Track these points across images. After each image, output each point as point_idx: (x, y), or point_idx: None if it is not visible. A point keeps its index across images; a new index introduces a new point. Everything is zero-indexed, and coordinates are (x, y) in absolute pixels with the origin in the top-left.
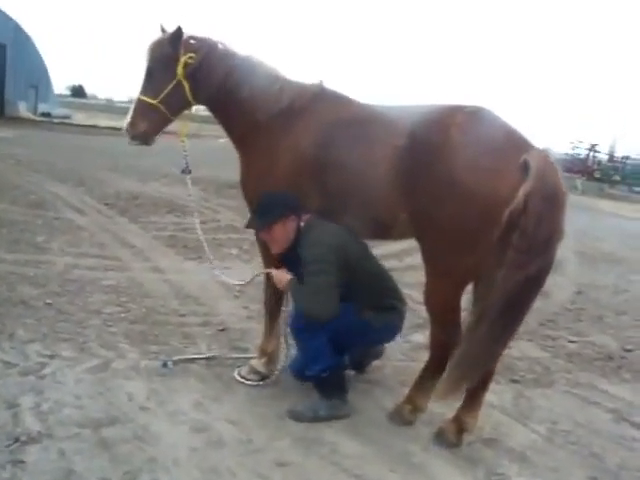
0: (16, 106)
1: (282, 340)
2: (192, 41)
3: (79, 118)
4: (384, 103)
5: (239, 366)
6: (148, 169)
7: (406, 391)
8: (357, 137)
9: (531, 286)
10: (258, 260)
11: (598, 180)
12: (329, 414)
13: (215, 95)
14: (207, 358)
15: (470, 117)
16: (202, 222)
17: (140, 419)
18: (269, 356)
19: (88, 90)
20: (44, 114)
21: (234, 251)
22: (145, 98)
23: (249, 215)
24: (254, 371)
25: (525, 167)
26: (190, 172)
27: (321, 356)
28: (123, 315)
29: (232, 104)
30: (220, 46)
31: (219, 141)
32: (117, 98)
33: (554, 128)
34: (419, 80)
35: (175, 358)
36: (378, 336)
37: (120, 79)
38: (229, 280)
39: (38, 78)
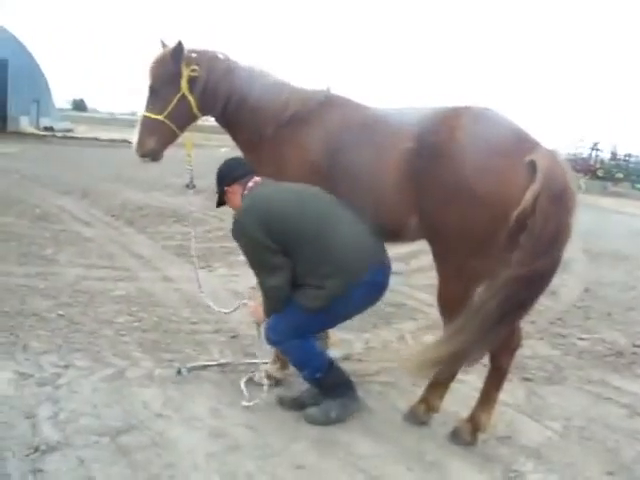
0: (18, 121)
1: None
2: (193, 54)
3: (81, 131)
4: (390, 105)
5: (252, 372)
6: (152, 180)
7: (419, 392)
8: (364, 142)
9: (534, 285)
10: None
11: (601, 178)
12: (340, 414)
13: (221, 107)
14: (220, 365)
15: (476, 118)
16: (207, 231)
17: (157, 426)
18: (282, 361)
19: (89, 103)
20: (46, 128)
21: (241, 258)
22: (151, 115)
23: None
24: (268, 376)
25: (532, 167)
26: (194, 187)
27: (306, 359)
28: (135, 324)
29: (239, 115)
30: (221, 56)
31: (222, 150)
32: (118, 111)
33: (556, 127)
34: (423, 81)
35: (189, 365)
36: (341, 315)
37: (120, 92)
38: (214, 307)
39: (40, 93)
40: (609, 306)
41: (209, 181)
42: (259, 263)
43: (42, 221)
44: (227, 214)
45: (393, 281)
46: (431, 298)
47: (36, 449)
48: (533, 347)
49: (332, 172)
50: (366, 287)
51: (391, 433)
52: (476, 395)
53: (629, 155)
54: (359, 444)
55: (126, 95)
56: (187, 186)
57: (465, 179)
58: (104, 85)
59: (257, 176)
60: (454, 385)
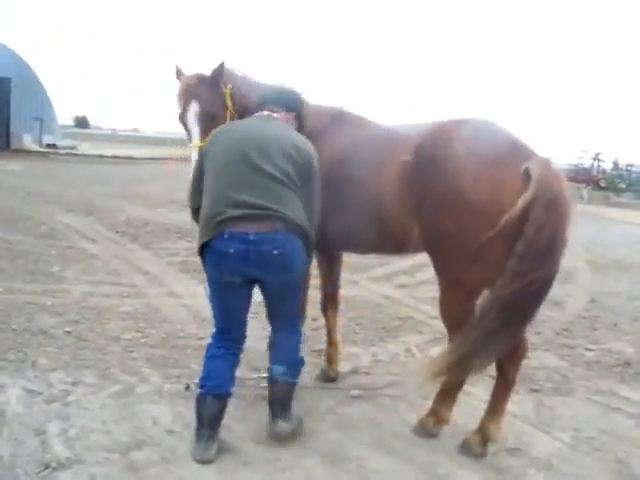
0: (21, 138)
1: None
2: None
3: (84, 148)
4: (395, 120)
5: (261, 386)
6: (156, 196)
7: (428, 404)
8: (368, 156)
9: (531, 294)
10: None
11: (603, 189)
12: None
13: None
14: None
15: (473, 130)
16: None
17: (167, 442)
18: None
19: (92, 121)
20: (50, 145)
21: None
22: None
23: None
24: None
25: (527, 176)
26: None
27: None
28: (143, 340)
29: None
30: (240, 74)
31: None
32: (120, 128)
33: (558, 138)
34: (427, 92)
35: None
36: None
37: (123, 109)
38: None
39: (42, 110)
40: (615, 316)
41: None
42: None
43: (48, 238)
44: None
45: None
46: (436, 311)
47: (47, 466)
48: (540, 358)
49: (339, 185)
50: (214, 254)
51: (401, 446)
52: (484, 406)
53: (631, 165)
54: (370, 458)
55: (128, 112)
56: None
57: (462, 189)
58: (106, 102)
59: None
60: (462, 397)
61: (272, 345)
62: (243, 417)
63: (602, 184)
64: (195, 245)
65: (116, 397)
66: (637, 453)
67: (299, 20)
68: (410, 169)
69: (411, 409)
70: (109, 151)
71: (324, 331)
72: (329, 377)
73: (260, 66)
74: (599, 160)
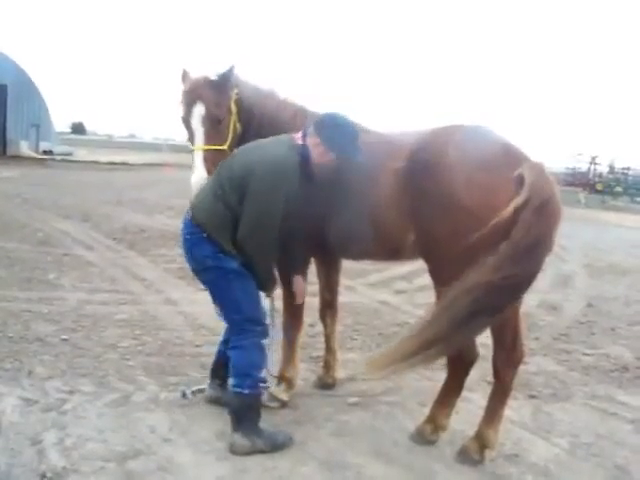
0: (18, 145)
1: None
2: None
3: (81, 154)
4: (393, 126)
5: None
6: (152, 202)
7: (426, 411)
8: (364, 163)
9: (505, 292)
10: None
11: (600, 192)
12: (267, 444)
13: (253, 130)
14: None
15: (467, 135)
16: None
17: (164, 450)
18: (288, 382)
19: (88, 127)
20: (46, 152)
21: None
22: (215, 147)
23: None
24: (274, 398)
25: (520, 181)
26: None
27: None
28: (139, 348)
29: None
30: (246, 80)
31: None
32: (117, 134)
33: (554, 142)
34: (423, 96)
35: (194, 388)
36: None
37: (118, 115)
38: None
39: (39, 117)
40: (613, 321)
41: None
42: None
43: (44, 245)
44: None
45: None
46: None
47: (43, 476)
48: (538, 363)
49: (337, 190)
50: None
51: (400, 454)
52: (482, 413)
53: (627, 169)
54: (368, 466)
55: (124, 117)
56: None
57: (455, 194)
58: (103, 108)
59: None
60: (460, 404)
61: None
62: None
63: (599, 188)
64: None
65: (113, 405)
66: (636, 459)
67: (299, 20)
68: (404, 175)
69: (409, 416)
70: (105, 157)
71: (321, 338)
72: (327, 384)
73: (261, 68)
74: (595, 164)
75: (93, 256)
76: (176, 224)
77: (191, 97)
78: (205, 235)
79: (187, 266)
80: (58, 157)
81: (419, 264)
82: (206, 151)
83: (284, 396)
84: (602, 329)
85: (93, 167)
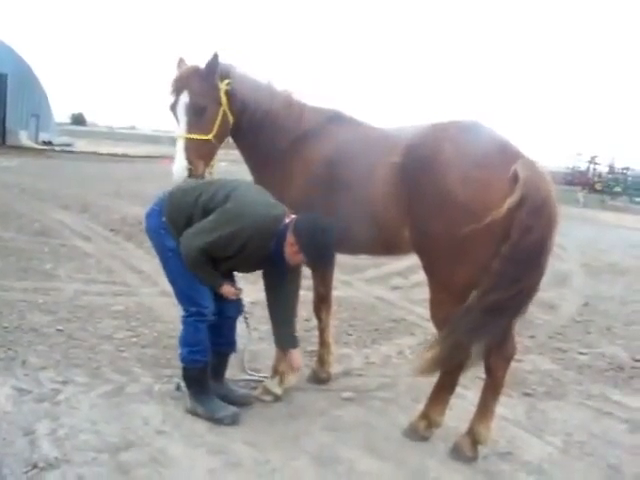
0: (17, 135)
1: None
2: (221, 66)
3: (80, 145)
4: (390, 122)
5: (252, 388)
6: (151, 194)
7: (419, 407)
8: (360, 157)
9: (516, 296)
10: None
11: (599, 192)
12: (207, 413)
13: (247, 122)
14: None
15: (462, 131)
16: None
17: (156, 443)
18: (281, 375)
19: (88, 118)
20: (46, 142)
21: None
22: (197, 136)
23: None
24: (268, 391)
25: (514, 177)
26: None
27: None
28: (134, 340)
29: (259, 130)
30: (239, 71)
31: (221, 165)
32: (117, 125)
33: (554, 141)
34: (421, 92)
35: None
36: None
37: (119, 106)
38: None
39: (39, 107)
40: (609, 320)
41: None
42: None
43: (42, 236)
44: None
45: None
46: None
47: (34, 466)
48: (533, 362)
49: (334, 185)
50: None
51: (392, 449)
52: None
53: (627, 168)
54: (360, 460)
55: (125, 109)
56: None
57: (450, 190)
58: (103, 99)
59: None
60: (454, 400)
61: None
62: None
63: (598, 187)
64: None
65: (106, 397)
66: (629, 458)
67: (298, 19)
68: (400, 171)
69: (403, 412)
70: (105, 149)
71: (316, 332)
72: (321, 379)
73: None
74: (595, 163)
75: (90, 247)
76: None
77: (177, 85)
78: (158, 209)
79: None
80: (57, 148)
81: (415, 260)
82: (188, 140)
83: (277, 390)
84: (598, 328)
85: (92, 158)
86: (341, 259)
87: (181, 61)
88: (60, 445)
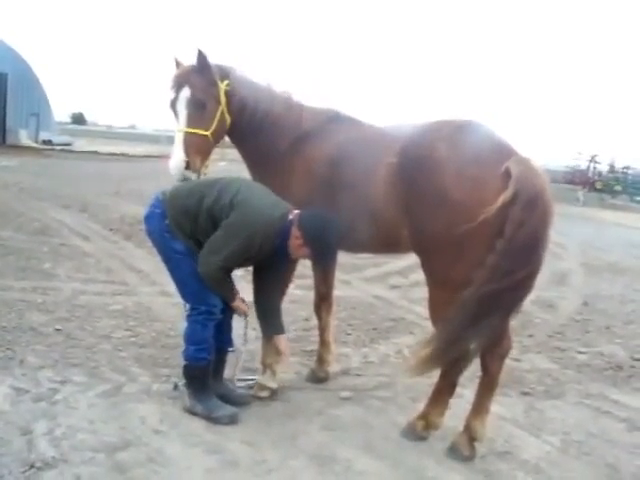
0: (17, 134)
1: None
2: (224, 68)
3: (80, 145)
4: (389, 121)
5: (250, 387)
6: (151, 193)
7: (418, 407)
8: (359, 157)
9: (511, 291)
10: None
11: (599, 191)
12: (205, 412)
13: (246, 122)
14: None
15: (457, 130)
16: None
17: (154, 442)
18: (272, 368)
19: (88, 117)
20: (45, 141)
21: (239, 272)
22: (196, 130)
23: None
24: (263, 387)
25: (507, 174)
26: None
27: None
28: (133, 339)
29: (259, 130)
30: (239, 73)
31: (220, 164)
32: (117, 124)
33: (554, 140)
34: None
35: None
36: None
37: (119, 106)
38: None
39: (39, 106)
40: (608, 319)
41: None
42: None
43: (41, 235)
44: None
45: None
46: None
47: (32, 466)
48: (532, 361)
49: (335, 184)
50: None
51: (390, 449)
52: None
53: (627, 167)
54: (358, 460)
55: (125, 108)
56: None
57: (445, 188)
58: (103, 98)
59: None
60: (451, 400)
61: None
62: None
63: (598, 186)
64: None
65: (104, 396)
66: (627, 458)
67: (298, 19)
68: (396, 170)
69: (401, 411)
70: (105, 148)
71: (316, 332)
72: (319, 378)
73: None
74: (595, 162)
75: (89, 246)
76: None
77: (178, 81)
78: (159, 211)
79: None
80: (57, 147)
81: (415, 259)
82: (187, 134)
83: (272, 384)
84: (597, 327)
85: (92, 157)
86: (340, 258)
87: (178, 63)
88: (57, 445)
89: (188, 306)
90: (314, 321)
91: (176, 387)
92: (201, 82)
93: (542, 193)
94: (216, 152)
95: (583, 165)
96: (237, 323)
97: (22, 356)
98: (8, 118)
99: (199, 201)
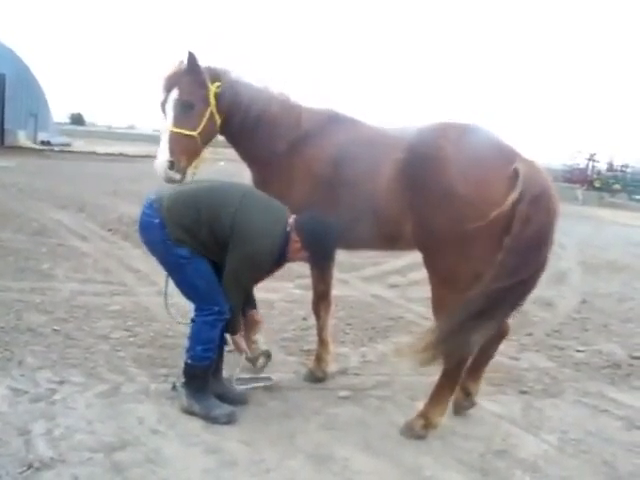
0: (16, 135)
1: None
2: (215, 70)
3: (79, 145)
4: (388, 122)
5: (248, 387)
6: (148, 194)
7: (416, 405)
8: (363, 155)
9: (518, 287)
10: None
11: (598, 189)
12: (203, 413)
13: (239, 124)
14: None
15: (462, 131)
16: None
17: (152, 442)
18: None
19: (87, 117)
20: (44, 142)
21: None
22: (183, 130)
23: None
24: (257, 357)
25: (515, 174)
26: None
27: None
28: (131, 339)
29: (254, 132)
30: (234, 76)
31: (220, 164)
32: (116, 124)
33: (554, 138)
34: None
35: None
36: None
37: (118, 106)
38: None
39: (37, 107)
40: (606, 318)
41: None
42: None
43: (39, 235)
44: None
45: None
46: (427, 311)
47: (30, 466)
48: (530, 359)
49: (338, 182)
50: None
51: (388, 448)
52: (473, 410)
53: (626, 166)
54: (355, 459)
55: (124, 108)
56: None
57: (453, 187)
58: (102, 99)
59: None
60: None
61: None
62: None
63: (596, 184)
64: None
65: (102, 396)
66: (624, 455)
67: (297, 19)
68: (403, 166)
69: (399, 410)
70: (103, 148)
71: (313, 331)
72: (317, 377)
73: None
74: (594, 161)
75: (87, 247)
76: None
77: (168, 83)
78: (158, 222)
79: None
80: (56, 148)
81: (413, 258)
82: (173, 134)
83: (263, 347)
84: (595, 326)
85: (91, 158)
86: (339, 257)
87: (180, 63)
88: (55, 445)
89: (195, 307)
90: (312, 321)
91: (174, 387)
92: (190, 83)
93: (547, 190)
94: (213, 152)
95: (582, 164)
96: None
97: (20, 357)
98: (6, 119)
99: (197, 216)
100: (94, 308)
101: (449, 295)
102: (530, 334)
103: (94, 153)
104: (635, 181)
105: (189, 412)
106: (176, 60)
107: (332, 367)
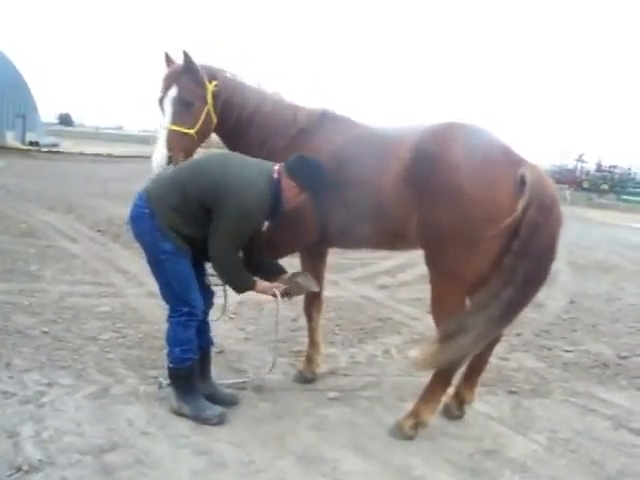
0: (3, 136)
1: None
2: (212, 70)
3: (67, 146)
4: (385, 122)
5: (238, 388)
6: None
7: (405, 406)
8: (367, 153)
9: (525, 290)
10: None
11: (586, 190)
12: (194, 413)
13: (233, 123)
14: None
15: (467, 132)
16: None
17: (141, 444)
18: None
19: (75, 118)
20: (32, 143)
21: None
22: (180, 128)
23: None
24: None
25: (522, 180)
26: None
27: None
28: (120, 341)
29: (249, 131)
30: (229, 75)
31: None
32: (104, 125)
33: (542, 139)
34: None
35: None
36: None
37: (106, 107)
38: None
39: (25, 107)
40: (594, 318)
41: None
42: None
43: (27, 237)
44: None
45: None
46: (416, 312)
47: (18, 469)
48: (519, 360)
49: (339, 179)
50: None
51: (377, 448)
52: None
53: (614, 166)
54: (345, 460)
55: (112, 109)
56: None
57: (459, 184)
58: (90, 99)
59: None
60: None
61: None
62: None
63: (585, 185)
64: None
65: (91, 398)
66: (613, 455)
67: (297, 19)
68: (410, 165)
69: (388, 411)
70: (91, 149)
71: (303, 332)
72: (306, 378)
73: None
74: (582, 161)
75: (76, 248)
76: None
77: (167, 80)
78: (148, 211)
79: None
80: (44, 148)
81: (403, 259)
82: (171, 131)
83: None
84: (584, 326)
85: (79, 159)
86: (328, 259)
87: (168, 59)
88: (44, 447)
89: (168, 308)
90: (302, 322)
91: (161, 386)
92: (189, 82)
93: (555, 198)
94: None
95: (570, 164)
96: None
97: (8, 359)
98: None
99: (183, 192)
100: (83, 309)
101: (453, 293)
102: (519, 334)
103: (82, 154)
104: (623, 182)
105: (179, 414)
106: (166, 59)
107: (321, 368)
